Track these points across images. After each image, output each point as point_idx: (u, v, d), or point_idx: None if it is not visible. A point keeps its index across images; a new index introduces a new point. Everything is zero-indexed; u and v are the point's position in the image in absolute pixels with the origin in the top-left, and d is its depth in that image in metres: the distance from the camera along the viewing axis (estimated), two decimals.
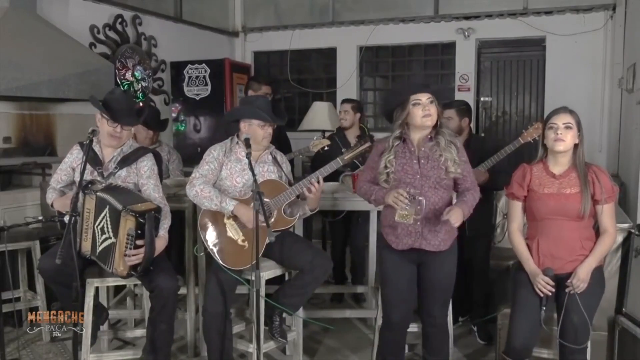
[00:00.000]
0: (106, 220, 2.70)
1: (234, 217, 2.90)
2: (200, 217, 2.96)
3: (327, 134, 4.58)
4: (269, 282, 3.01)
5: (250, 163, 2.70)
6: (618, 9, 5.80)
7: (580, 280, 2.47)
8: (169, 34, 6.40)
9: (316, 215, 3.57)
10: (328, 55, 7.30)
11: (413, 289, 2.70)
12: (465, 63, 6.60)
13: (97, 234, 2.75)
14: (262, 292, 2.84)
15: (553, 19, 6.17)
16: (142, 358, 2.96)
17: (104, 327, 3.32)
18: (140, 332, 3.25)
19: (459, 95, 6.33)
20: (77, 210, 2.63)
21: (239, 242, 2.91)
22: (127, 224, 2.61)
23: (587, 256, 2.51)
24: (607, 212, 2.53)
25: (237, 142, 3.02)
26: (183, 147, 6.16)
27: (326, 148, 3.67)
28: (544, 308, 2.51)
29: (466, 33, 6.51)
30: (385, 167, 2.59)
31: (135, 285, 3.47)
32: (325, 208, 3.48)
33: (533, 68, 6.52)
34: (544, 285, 2.50)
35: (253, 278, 2.59)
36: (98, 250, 2.76)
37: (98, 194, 2.73)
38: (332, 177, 3.43)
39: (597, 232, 2.58)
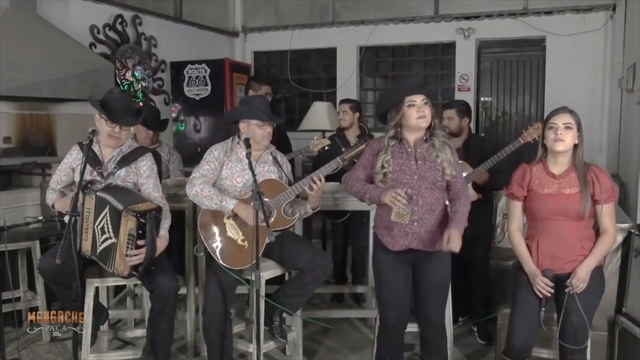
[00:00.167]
0: (106, 220, 2.70)
1: (234, 217, 2.90)
2: (200, 217, 2.96)
3: (327, 134, 4.58)
4: (269, 282, 3.01)
5: (250, 163, 2.71)
6: (618, 9, 5.80)
7: (580, 280, 2.47)
8: (169, 34, 6.39)
9: (316, 215, 3.57)
10: (328, 55, 7.30)
11: (409, 289, 2.70)
12: (465, 63, 6.60)
13: (97, 234, 2.75)
14: (262, 292, 2.84)
15: (553, 19, 6.17)
16: (142, 358, 2.95)
17: (104, 327, 3.33)
18: (140, 332, 3.25)
19: (459, 95, 6.33)
20: (77, 210, 2.63)
21: (239, 241, 2.91)
22: (128, 224, 2.61)
23: (586, 256, 2.51)
24: (607, 212, 2.53)
25: (238, 142, 3.02)
26: (183, 147, 6.16)
27: (326, 148, 3.68)
28: (544, 309, 2.51)
29: (466, 33, 6.51)
30: (383, 167, 2.59)
31: (135, 285, 3.47)
32: (326, 208, 3.48)
33: (533, 68, 6.51)
34: (543, 287, 2.50)
35: (253, 278, 2.59)
36: (98, 250, 2.76)
37: (98, 193, 2.73)
38: (334, 177, 3.43)
39: (597, 232, 2.58)
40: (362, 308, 4.21)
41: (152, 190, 2.92)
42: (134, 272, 2.69)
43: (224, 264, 2.87)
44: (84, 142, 2.78)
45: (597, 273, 2.56)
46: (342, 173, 3.85)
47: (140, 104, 5.43)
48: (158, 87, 6.30)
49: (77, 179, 2.83)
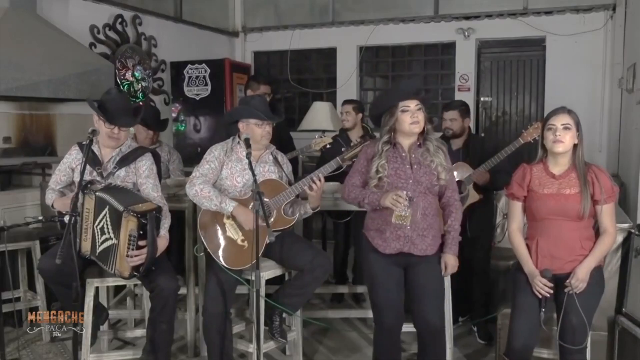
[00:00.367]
0: (106, 221, 2.70)
1: (234, 217, 2.90)
2: (200, 217, 2.96)
3: (326, 134, 4.58)
4: (269, 282, 3.01)
5: (250, 163, 2.70)
6: (618, 9, 5.80)
7: (579, 280, 2.47)
8: (169, 34, 6.39)
9: (316, 215, 3.57)
10: (328, 55, 7.29)
11: (401, 290, 2.70)
12: (465, 63, 6.59)
13: (96, 234, 2.75)
14: (262, 292, 2.84)
15: (553, 19, 6.17)
16: (142, 358, 2.96)
17: (104, 327, 3.33)
18: (140, 332, 3.25)
19: (458, 95, 6.33)
20: (77, 210, 2.63)
21: (239, 241, 2.91)
22: (129, 225, 2.61)
23: (586, 256, 2.51)
24: (607, 212, 2.53)
25: (238, 142, 3.02)
26: (183, 147, 6.16)
27: (328, 146, 3.68)
28: (544, 309, 2.51)
29: (466, 33, 6.51)
30: (377, 171, 2.60)
31: (135, 285, 3.47)
32: (327, 208, 3.48)
33: (533, 68, 6.51)
34: (542, 287, 2.50)
35: (253, 278, 2.58)
36: (98, 251, 2.76)
37: (97, 194, 2.73)
38: (335, 177, 3.42)
39: (597, 232, 2.58)
40: (362, 308, 4.21)
41: (151, 190, 2.92)
42: (135, 273, 2.69)
43: (224, 264, 2.87)
44: (84, 142, 2.78)
45: (597, 273, 2.56)
46: (344, 174, 3.85)
47: (140, 103, 5.44)
48: (158, 87, 6.30)
49: (76, 179, 2.83)
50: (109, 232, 2.70)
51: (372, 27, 6.87)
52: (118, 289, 3.72)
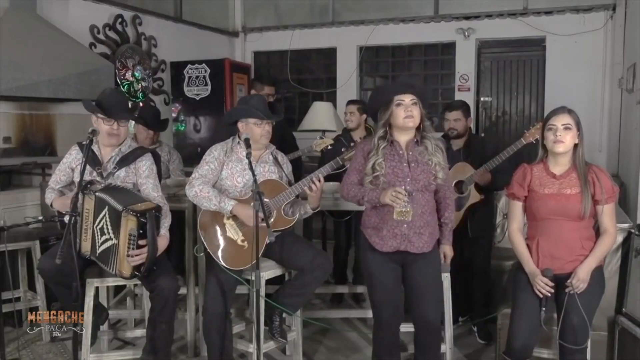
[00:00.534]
0: (106, 221, 2.70)
1: (234, 217, 2.90)
2: (200, 217, 2.96)
3: (326, 134, 4.58)
4: (269, 282, 3.01)
5: (250, 163, 2.70)
6: (618, 9, 5.80)
7: (580, 280, 2.47)
8: (169, 34, 6.39)
9: (316, 215, 3.57)
10: (328, 55, 7.30)
11: (399, 288, 2.71)
12: (465, 63, 6.60)
13: (96, 235, 2.75)
14: (262, 292, 2.84)
15: (553, 19, 6.17)
16: (142, 358, 2.95)
17: (104, 327, 3.33)
18: (140, 332, 3.25)
19: (459, 95, 6.34)
20: (77, 210, 2.63)
21: (239, 242, 2.91)
22: (129, 224, 2.61)
23: (587, 256, 2.51)
24: (607, 212, 2.53)
25: (238, 142, 3.02)
26: (183, 147, 6.16)
27: (329, 147, 3.67)
28: (544, 309, 2.51)
29: (466, 33, 6.51)
30: (374, 169, 2.59)
31: (135, 285, 3.47)
32: (327, 208, 3.48)
33: (533, 68, 6.51)
34: (543, 286, 2.50)
35: (253, 278, 2.58)
36: (98, 251, 2.75)
37: (97, 194, 2.73)
38: (336, 177, 3.42)
39: (598, 232, 2.58)
40: (362, 308, 4.21)
41: (151, 190, 2.92)
42: (136, 273, 2.69)
43: (224, 264, 2.87)
44: (84, 142, 2.78)
45: (597, 273, 2.56)
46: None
47: (140, 103, 5.44)
48: (158, 87, 6.30)
49: (76, 179, 2.83)
50: (108, 233, 2.69)
51: (372, 27, 6.87)
52: (118, 289, 3.72)
